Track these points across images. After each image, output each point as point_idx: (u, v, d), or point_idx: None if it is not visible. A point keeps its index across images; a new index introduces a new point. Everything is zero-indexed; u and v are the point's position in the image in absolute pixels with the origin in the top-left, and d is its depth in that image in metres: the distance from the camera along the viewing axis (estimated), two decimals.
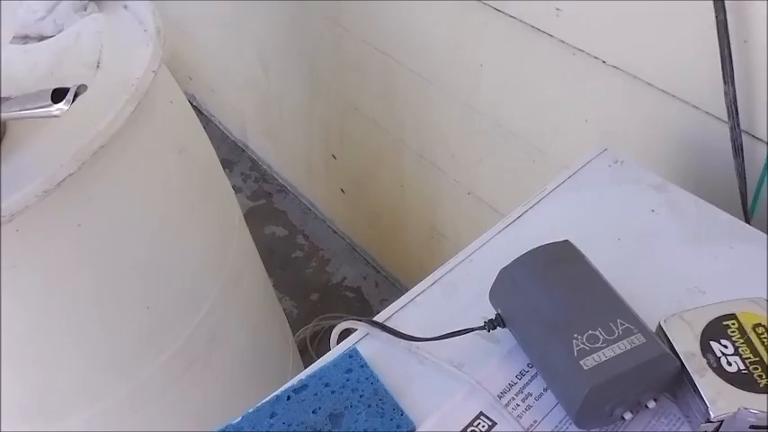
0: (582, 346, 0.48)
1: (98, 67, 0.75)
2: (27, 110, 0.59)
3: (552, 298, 0.52)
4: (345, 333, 0.60)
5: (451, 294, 0.62)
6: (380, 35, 1.16)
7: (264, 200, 1.99)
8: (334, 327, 0.60)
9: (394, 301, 0.61)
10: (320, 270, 1.80)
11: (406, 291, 0.62)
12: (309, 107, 1.57)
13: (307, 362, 1.48)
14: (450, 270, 0.64)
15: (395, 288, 1.72)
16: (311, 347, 1.63)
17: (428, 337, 0.57)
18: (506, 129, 1.01)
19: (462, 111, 1.07)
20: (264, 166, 2.06)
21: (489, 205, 1.16)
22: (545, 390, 0.54)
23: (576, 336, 0.49)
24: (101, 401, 0.80)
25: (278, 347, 1.19)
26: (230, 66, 1.85)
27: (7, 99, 0.64)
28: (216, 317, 0.91)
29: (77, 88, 0.57)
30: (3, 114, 0.61)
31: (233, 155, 2.12)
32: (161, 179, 0.80)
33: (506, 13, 0.89)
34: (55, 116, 0.57)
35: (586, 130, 0.87)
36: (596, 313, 0.50)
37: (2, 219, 0.62)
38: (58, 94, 0.58)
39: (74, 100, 0.57)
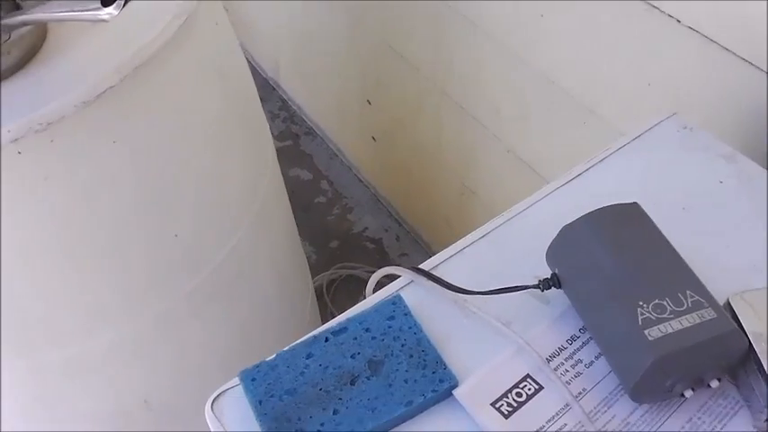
0: (647, 315, 0.45)
1: None
2: (74, 12, 0.55)
3: (617, 262, 0.49)
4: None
5: (500, 250, 0.59)
6: None
7: (291, 141, 1.95)
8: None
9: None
10: (342, 218, 1.77)
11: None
12: (348, 49, 1.52)
13: (321, 309, 1.47)
14: (501, 225, 0.61)
15: (417, 244, 1.69)
16: (327, 295, 1.62)
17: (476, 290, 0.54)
18: (559, 86, 0.96)
19: (514, 63, 1.02)
20: (294, 107, 2.02)
21: (529, 165, 1.12)
22: (596, 357, 0.51)
23: (641, 304, 0.46)
24: (122, 326, 0.78)
25: (298, 290, 1.17)
26: (269, 1, 1.79)
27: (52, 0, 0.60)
28: (243, 252, 0.88)
29: None
30: (48, 15, 0.57)
31: (263, 93, 2.07)
32: (201, 103, 0.77)
33: None
34: (103, 20, 0.54)
35: (649, 94, 0.83)
36: (664, 282, 0.47)
37: (38, 126, 0.59)
38: None
39: (124, 5, 0.53)
